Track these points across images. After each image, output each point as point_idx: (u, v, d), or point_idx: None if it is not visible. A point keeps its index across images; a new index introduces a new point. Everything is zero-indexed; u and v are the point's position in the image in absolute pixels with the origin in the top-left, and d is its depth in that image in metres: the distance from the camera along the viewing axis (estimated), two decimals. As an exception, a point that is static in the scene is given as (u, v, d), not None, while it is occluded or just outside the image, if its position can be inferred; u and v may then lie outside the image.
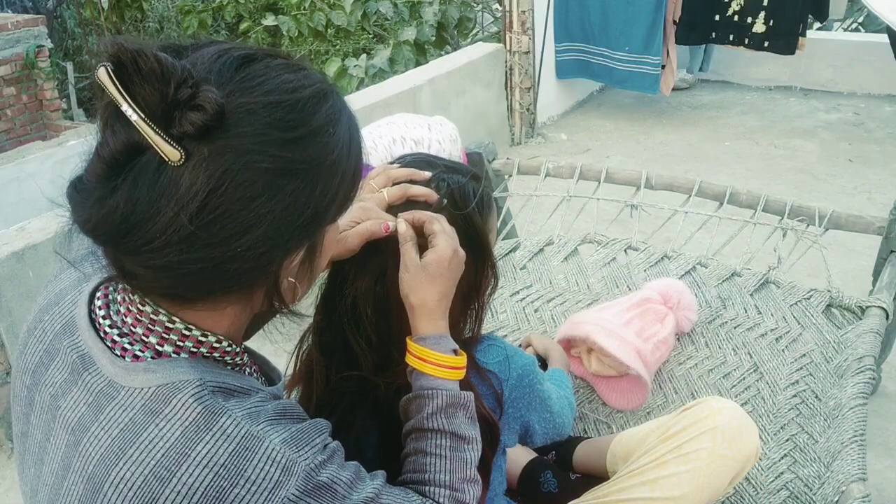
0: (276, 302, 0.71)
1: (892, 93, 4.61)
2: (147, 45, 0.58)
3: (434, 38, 4.74)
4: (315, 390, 0.98)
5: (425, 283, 0.86)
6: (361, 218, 0.90)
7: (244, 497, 0.63)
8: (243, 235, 0.62)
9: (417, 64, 4.36)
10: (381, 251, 0.92)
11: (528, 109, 4.24)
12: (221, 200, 0.60)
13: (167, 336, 0.68)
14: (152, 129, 0.57)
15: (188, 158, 0.59)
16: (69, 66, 6.46)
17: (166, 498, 0.62)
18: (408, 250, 0.88)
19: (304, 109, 0.64)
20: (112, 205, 0.59)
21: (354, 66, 4.45)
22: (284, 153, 0.62)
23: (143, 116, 0.57)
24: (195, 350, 0.69)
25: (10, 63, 5.69)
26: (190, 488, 0.62)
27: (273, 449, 0.65)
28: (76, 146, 4.52)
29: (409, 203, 0.93)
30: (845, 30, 5.81)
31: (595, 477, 1.27)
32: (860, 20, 5.81)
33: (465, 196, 0.94)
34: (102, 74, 0.57)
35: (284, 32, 5.01)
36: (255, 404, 0.69)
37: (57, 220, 2.10)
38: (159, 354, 0.68)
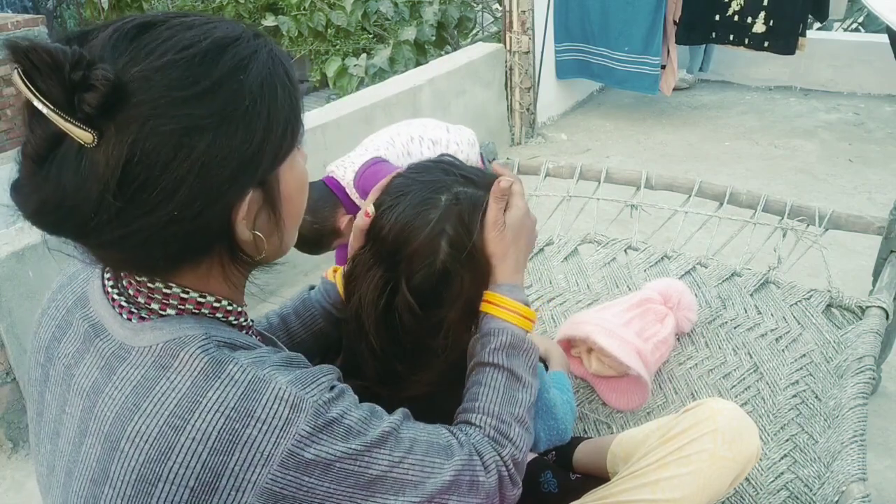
0: (242, 255, 0.72)
1: (892, 93, 4.61)
2: (37, 40, 0.59)
3: (434, 38, 4.74)
4: None
5: (510, 236, 0.94)
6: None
7: (256, 436, 0.65)
8: (171, 198, 0.63)
9: (417, 64, 4.36)
10: (388, 264, 0.92)
11: (528, 109, 4.24)
12: (138, 170, 0.61)
13: (167, 301, 0.71)
14: (61, 116, 0.59)
15: (101, 137, 0.60)
16: (69, 66, 6.46)
17: (182, 445, 0.64)
18: (505, 206, 0.95)
19: (201, 64, 0.64)
20: (44, 196, 0.62)
21: (354, 65, 4.45)
22: (189, 111, 0.62)
23: (50, 107, 0.59)
24: (196, 311, 0.72)
25: (10, 63, 5.69)
26: (204, 433, 0.64)
27: (280, 388, 0.67)
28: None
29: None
30: (845, 30, 5.81)
31: (595, 477, 1.26)
32: (860, 20, 5.81)
33: (473, 211, 0.94)
34: (15, 77, 0.59)
35: (284, 32, 5.01)
36: (261, 354, 0.71)
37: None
38: (162, 318, 0.71)
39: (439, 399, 0.95)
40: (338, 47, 5.00)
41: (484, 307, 0.94)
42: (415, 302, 0.92)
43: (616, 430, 1.47)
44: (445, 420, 0.91)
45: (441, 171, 0.97)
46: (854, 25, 5.85)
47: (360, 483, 0.70)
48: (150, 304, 0.71)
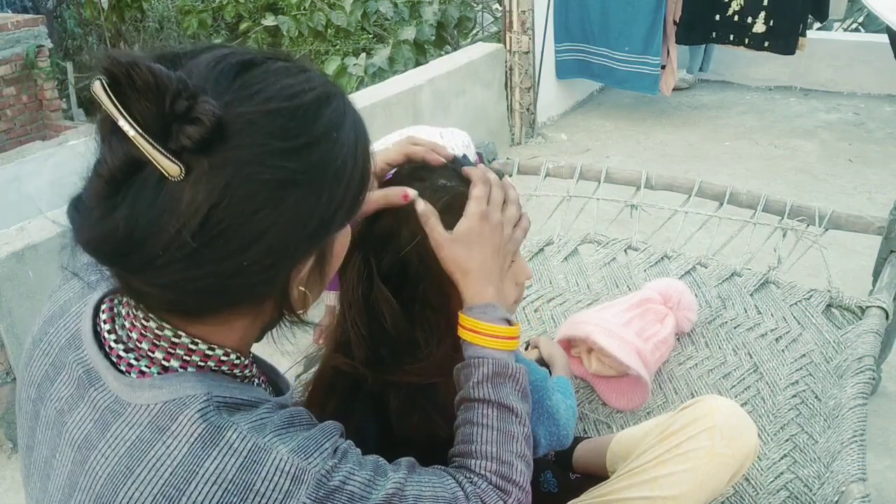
0: (286, 312, 0.70)
1: (892, 93, 4.61)
2: (141, 56, 0.56)
3: (434, 38, 4.74)
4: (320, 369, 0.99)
5: (461, 253, 0.85)
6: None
7: None
8: (248, 249, 0.60)
9: (417, 64, 4.36)
10: (364, 247, 0.89)
11: (528, 109, 4.24)
12: (224, 215, 0.58)
13: (173, 351, 0.67)
14: (150, 144, 0.56)
15: (188, 173, 0.57)
16: (69, 66, 6.46)
17: None
18: (432, 227, 0.86)
19: (305, 116, 0.62)
20: (113, 224, 0.58)
21: (354, 64, 4.45)
22: (286, 163, 0.60)
23: (140, 131, 0.56)
24: (202, 364, 0.68)
25: (10, 63, 5.70)
26: None
27: (281, 459, 0.64)
28: (76, 146, 4.52)
29: (408, 163, 0.92)
30: (845, 30, 5.81)
31: (595, 476, 1.27)
32: (860, 20, 5.81)
33: (451, 203, 0.90)
34: (98, 88, 0.55)
35: (284, 32, 5.01)
36: (261, 416, 0.67)
37: (56, 221, 2.10)
38: (165, 370, 0.67)
39: (428, 388, 0.93)
40: (338, 47, 5.00)
41: (460, 332, 0.87)
42: (388, 289, 0.89)
43: (616, 430, 1.47)
44: (436, 411, 0.90)
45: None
46: (854, 25, 5.85)
47: None
48: (153, 352, 0.67)
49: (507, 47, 4.10)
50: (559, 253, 2.10)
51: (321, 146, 0.63)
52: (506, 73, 4.15)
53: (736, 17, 4.06)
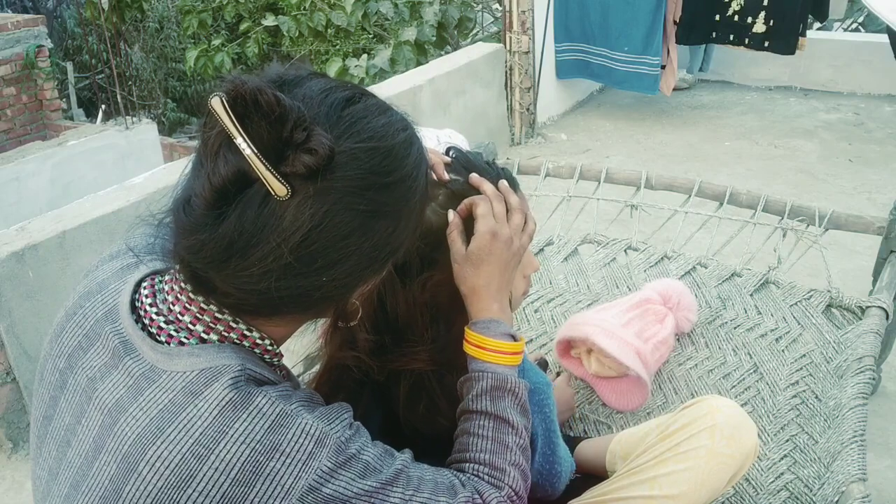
0: (340, 321, 0.77)
1: (892, 93, 4.61)
2: (263, 82, 0.62)
3: (434, 38, 4.74)
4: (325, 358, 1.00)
5: (470, 271, 0.89)
6: None
7: (279, 469, 0.66)
8: (332, 268, 0.67)
9: (418, 64, 4.36)
10: None
11: (528, 109, 4.24)
12: (320, 236, 0.65)
13: (213, 325, 0.71)
14: (264, 164, 0.61)
15: (293, 195, 0.63)
16: (69, 66, 6.46)
17: (203, 474, 0.65)
18: (454, 241, 0.91)
19: (397, 156, 0.70)
20: (221, 233, 0.64)
21: (355, 66, 4.45)
22: (379, 196, 0.67)
23: (255, 151, 0.61)
24: (237, 342, 0.73)
25: (10, 63, 5.69)
26: (228, 464, 0.65)
27: (306, 423, 0.68)
28: (76, 146, 4.52)
29: None
30: (845, 30, 5.82)
31: (595, 476, 1.26)
32: (860, 20, 5.81)
33: (452, 197, 0.93)
34: (217, 104, 0.61)
35: (284, 32, 5.01)
36: (286, 388, 0.72)
37: (56, 221, 2.11)
38: (203, 342, 0.71)
39: (435, 373, 0.95)
40: (338, 47, 5.00)
41: (465, 346, 0.91)
42: (395, 272, 0.91)
43: (616, 431, 1.47)
44: (443, 396, 0.93)
45: (465, 160, 0.97)
46: (854, 25, 5.85)
47: None
48: (193, 325, 0.71)
49: (507, 47, 4.10)
50: (559, 253, 2.10)
51: (406, 184, 0.71)
52: (506, 73, 4.15)
53: (736, 17, 4.06)
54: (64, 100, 6.43)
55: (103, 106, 5.58)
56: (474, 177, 0.94)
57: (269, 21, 5.06)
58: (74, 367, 0.75)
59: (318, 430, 0.68)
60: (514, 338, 0.91)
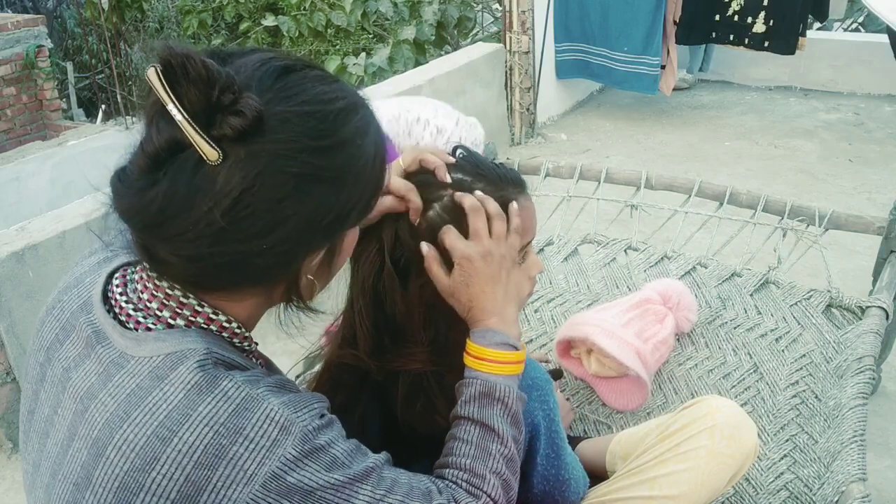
0: (294, 297, 0.76)
1: (892, 93, 4.61)
2: (195, 50, 0.62)
3: (434, 38, 4.74)
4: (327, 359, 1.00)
5: (461, 292, 0.89)
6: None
7: (242, 454, 0.65)
8: (270, 233, 0.66)
9: (417, 63, 4.36)
10: (380, 244, 0.92)
11: (528, 109, 4.24)
12: (252, 199, 0.64)
13: (180, 311, 0.72)
14: (194, 129, 0.62)
15: (225, 159, 0.63)
16: (69, 66, 6.46)
17: (167, 456, 0.65)
18: (435, 275, 0.89)
19: (335, 120, 0.69)
20: (151, 196, 0.64)
21: (354, 64, 4.44)
22: (314, 160, 0.67)
23: (186, 117, 0.61)
24: (205, 326, 0.73)
25: (10, 63, 5.69)
26: (191, 446, 0.65)
27: (272, 409, 0.67)
28: (76, 146, 4.52)
29: (422, 171, 0.93)
30: (845, 30, 5.81)
31: (595, 476, 1.27)
32: (860, 20, 5.81)
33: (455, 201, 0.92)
34: (152, 74, 0.61)
35: (284, 32, 5.00)
36: (255, 374, 0.72)
37: (56, 221, 2.11)
38: (171, 327, 0.72)
39: (433, 373, 0.94)
40: (337, 47, 5.00)
41: (464, 356, 0.90)
42: (396, 274, 0.91)
43: (616, 431, 1.47)
44: (440, 396, 0.92)
45: (472, 166, 0.95)
46: (854, 25, 5.85)
47: None
48: (161, 311, 0.72)
49: (507, 47, 4.10)
50: (559, 253, 2.10)
51: (346, 149, 0.69)
52: (506, 73, 4.15)
53: (736, 17, 4.06)
54: (64, 100, 6.43)
55: (103, 106, 5.58)
56: (458, 195, 0.92)
57: (269, 21, 5.05)
58: (52, 359, 0.76)
59: (282, 417, 0.67)
60: (515, 347, 0.89)
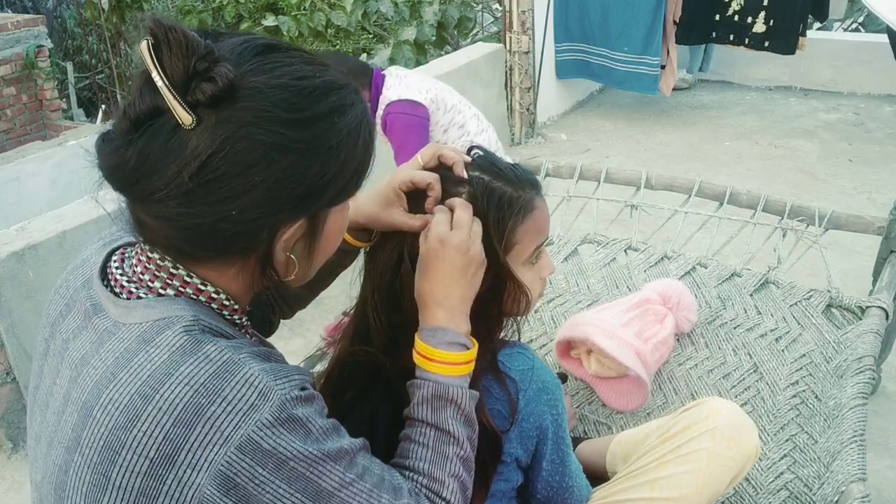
0: (270, 271, 0.77)
1: (892, 93, 4.61)
2: (180, 23, 0.66)
3: (434, 38, 4.74)
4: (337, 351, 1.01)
5: (419, 278, 0.90)
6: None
7: (220, 415, 0.67)
8: (237, 199, 0.68)
9: (417, 63, 4.36)
10: (399, 240, 0.93)
11: (528, 109, 4.24)
12: (220, 164, 0.66)
13: (170, 281, 0.74)
14: (172, 94, 0.65)
15: (199, 124, 0.66)
16: (69, 66, 6.45)
17: (148, 413, 0.67)
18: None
19: (310, 96, 0.70)
20: (129, 154, 0.67)
21: (354, 65, 4.44)
22: (283, 130, 0.68)
23: (166, 83, 0.65)
24: (194, 297, 0.75)
25: (10, 63, 5.69)
26: (171, 404, 0.67)
27: (252, 374, 0.69)
28: (76, 146, 4.52)
29: (441, 165, 0.95)
30: (845, 30, 5.81)
31: (595, 477, 1.27)
32: (860, 20, 5.81)
33: (484, 197, 0.92)
34: (143, 47, 0.65)
35: (284, 32, 5.00)
36: (241, 342, 0.74)
37: (56, 221, 2.10)
38: (161, 296, 0.74)
39: None
40: (338, 47, 5.00)
41: (413, 353, 0.90)
42: (413, 270, 0.92)
43: (616, 431, 1.47)
44: None
45: (489, 163, 0.96)
46: (854, 25, 5.85)
47: (308, 491, 0.69)
48: (153, 282, 0.74)
49: (507, 47, 4.10)
50: (559, 253, 2.10)
51: (319, 124, 0.71)
52: (506, 73, 4.15)
53: (736, 17, 4.06)
54: (64, 100, 6.43)
55: (103, 106, 5.58)
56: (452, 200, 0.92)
57: (269, 21, 5.05)
58: (55, 333, 0.80)
59: (261, 384, 0.68)
60: (465, 346, 0.88)
